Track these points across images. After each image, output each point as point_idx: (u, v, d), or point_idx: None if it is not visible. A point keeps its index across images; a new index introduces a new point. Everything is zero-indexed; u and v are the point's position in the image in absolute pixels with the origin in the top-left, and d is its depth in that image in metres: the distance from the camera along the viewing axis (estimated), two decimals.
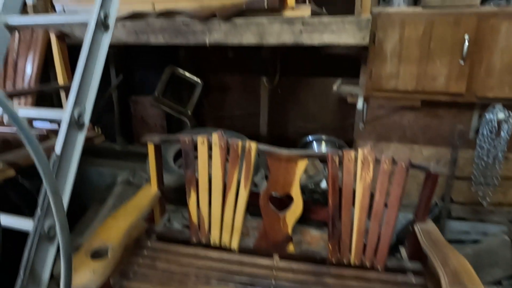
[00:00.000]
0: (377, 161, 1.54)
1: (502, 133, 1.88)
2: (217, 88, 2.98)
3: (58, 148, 1.06)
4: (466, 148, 2.19)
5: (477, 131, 2.10)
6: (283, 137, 2.90)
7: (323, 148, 2.59)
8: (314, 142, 2.60)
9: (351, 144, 2.55)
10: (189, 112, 2.86)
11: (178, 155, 2.58)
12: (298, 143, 2.69)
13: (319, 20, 1.62)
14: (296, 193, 1.59)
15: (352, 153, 1.54)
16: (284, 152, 1.57)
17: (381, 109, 2.32)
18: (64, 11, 2.02)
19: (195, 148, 1.65)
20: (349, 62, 2.34)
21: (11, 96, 1.61)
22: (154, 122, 3.17)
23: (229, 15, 1.71)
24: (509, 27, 1.68)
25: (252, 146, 1.59)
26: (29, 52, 1.98)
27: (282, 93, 2.78)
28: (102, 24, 1.19)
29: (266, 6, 1.64)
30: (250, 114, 2.90)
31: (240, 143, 1.61)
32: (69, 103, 1.09)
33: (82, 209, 2.68)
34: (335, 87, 2.13)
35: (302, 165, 1.57)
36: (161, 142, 1.67)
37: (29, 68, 1.95)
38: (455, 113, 2.16)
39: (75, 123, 1.11)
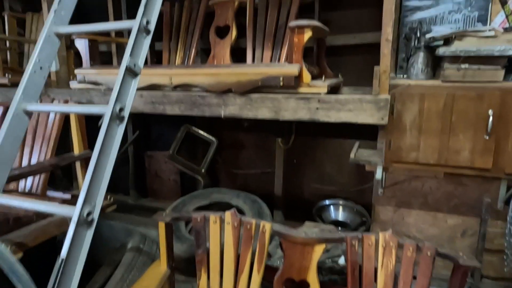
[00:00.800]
0: (400, 246, 1.44)
1: None
2: (231, 146, 2.97)
3: (64, 251, 1.02)
4: (495, 219, 2.06)
5: (506, 202, 1.98)
6: (299, 198, 2.81)
7: (340, 213, 2.48)
8: (331, 207, 2.50)
9: (370, 208, 2.44)
10: (203, 170, 2.84)
11: None
12: (314, 205, 2.60)
13: (336, 98, 1.59)
14: (313, 279, 1.49)
15: (372, 237, 1.45)
16: (300, 235, 1.49)
17: (401, 175, 2.23)
18: (84, 79, 2.08)
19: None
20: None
21: (25, 175, 1.62)
22: (168, 177, 3.15)
23: (245, 90, 1.71)
24: None
25: (267, 227, 1.52)
26: (48, 119, 2.02)
27: (298, 153, 2.73)
28: (117, 117, 1.19)
29: (281, 84, 1.63)
30: (264, 173, 2.85)
31: (254, 223, 1.54)
32: (79, 202, 1.06)
33: (92, 263, 2.62)
34: (352, 155, 2.06)
35: (319, 250, 1.48)
36: (173, 220, 1.62)
37: (48, 134, 1.98)
38: (481, 182, 2.05)
39: (84, 222, 1.07)
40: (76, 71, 2.08)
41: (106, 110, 1.17)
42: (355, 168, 2.58)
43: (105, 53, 2.95)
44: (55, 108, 1.41)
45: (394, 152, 1.90)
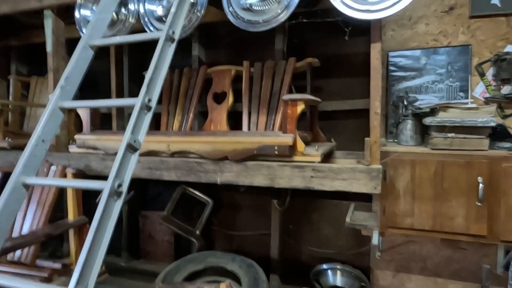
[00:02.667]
0: None
1: None
2: (227, 207, 2.96)
3: None
4: (496, 285, 2.02)
5: (506, 267, 1.95)
6: (296, 261, 2.75)
7: (338, 278, 2.42)
8: (329, 271, 2.44)
9: (369, 272, 2.39)
10: (198, 232, 2.79)
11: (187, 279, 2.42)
12: (312, 269, 2.53)
13: (330, 167, 1.64)
14: None
15: None
16: None
17: (398, 238, 2.22)
18: (84, 144, 2.12)
19: None
20: None
21: (17, 247, 1.59)
22: (161, 238, 3.09)
23: (241, 158, 1.75)
24: None
25: None
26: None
27: (294, 215, 2.72)
28: (115, 193, 1.20)
29: (276, 152, 1.68)
30: (260, 235, 2.80)
31: None
32: (71, 284, 1.04)
33: None
34: (348, 219, 2.06)
35: None
36: None
37: (43, 200, 1.97)
38: (478, 246, 2.03)
39: None
40: (76, 136, 2.14)
41: (105, 186, 1.19)
42: (352, 230, 2.55)
43: (105, 115, 3.03)
44: (54, 182, 1.43)
45: (389, 218, 1.91)
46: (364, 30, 1.77)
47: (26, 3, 2.30)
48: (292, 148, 1.69)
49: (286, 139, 1.67)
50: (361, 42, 2.46)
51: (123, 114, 2.95)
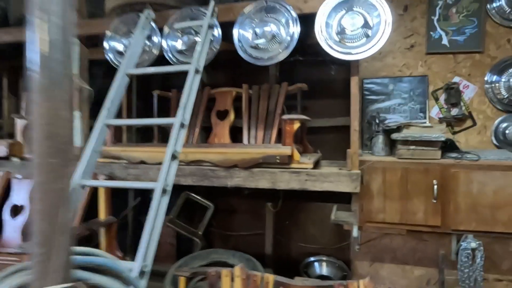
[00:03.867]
0: None
1: (477, 260, 2.21)
2: (225, 210, 3.33)
3: None
4: (451, 269, 2.49)
5: (456, 253, 2.43)
6: (287, 256, 3.15)
7: (324, 268, 2.84)
8: (316, 263, 2.86)
9: (349, 263, 2.82)
10: (200, 233, 3.14)
11: None
12: (301, 263, 2.94)
13: (320, 172, 2.08)
14: None
15: (355, 283, 1.83)
16: (298, 283, 1.84)
17: (374, 233, 2.67)
18: (108, 154, 2.45)
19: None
20: None
21: None
22: (164, 240, 3.39)
23: (248, 166, 2.16)
24: (466, 176, 2.17)
25: (270, 278, 1.87)
26: None
27: (285, 216, 3.13)
28: (164, 191, 1.58)
29: (278, 161, 2.10)
30: (255, 235, 3.19)
31: (259, 276, 1.88)
32: (138, 260, 1.40)
33: None
34: (333, 216, 2.49)
35: None
36: (191, 274, 1.92)
37: None
38: (437, 238, 2.52)
39: (139, 275, 1.40)
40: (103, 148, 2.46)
41: (156, 186, 1.56)
42: (334, 228, 3.00)
43: (115, 128, 3.35)
44: (108, 183, 1.76)
45: (366, 214, 2.36)
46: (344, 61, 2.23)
47: None
48: (290, 157, 2.12)
49: (286, 150, 2.09)
50: (341, 70, 2.95)
51: (132, 128, 3.28)
